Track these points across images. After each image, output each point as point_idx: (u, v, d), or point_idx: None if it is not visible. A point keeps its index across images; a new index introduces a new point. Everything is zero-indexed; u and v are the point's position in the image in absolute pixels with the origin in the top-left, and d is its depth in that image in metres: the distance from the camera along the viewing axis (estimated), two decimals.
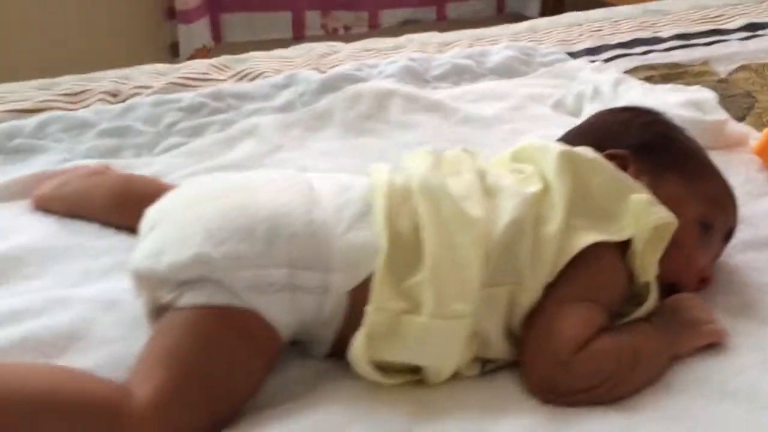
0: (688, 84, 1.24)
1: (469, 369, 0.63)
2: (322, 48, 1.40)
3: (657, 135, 0.78)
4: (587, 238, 0.65)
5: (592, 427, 0.57)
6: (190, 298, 0.59)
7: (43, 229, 0.80)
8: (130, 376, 0.58)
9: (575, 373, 0.60)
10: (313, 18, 2.49)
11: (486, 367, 0.64)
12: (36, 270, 0.73)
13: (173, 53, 2.34)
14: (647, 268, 0.66)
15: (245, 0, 2.37)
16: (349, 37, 2.54)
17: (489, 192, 0.68)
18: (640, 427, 0.57)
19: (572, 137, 0.80)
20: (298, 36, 2.48)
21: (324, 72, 1.24)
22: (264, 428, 0.56)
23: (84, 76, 1.24)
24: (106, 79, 1.21)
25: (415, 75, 1.23)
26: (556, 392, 0.60)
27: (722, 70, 1.35)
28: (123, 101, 1.14)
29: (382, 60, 1.28)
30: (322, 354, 0.65)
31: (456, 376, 0.62)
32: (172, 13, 2.29)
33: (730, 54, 1.42)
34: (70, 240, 0.78)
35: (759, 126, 1.08)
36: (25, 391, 0.55)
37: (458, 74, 1.26)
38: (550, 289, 0.64)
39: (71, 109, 1.10)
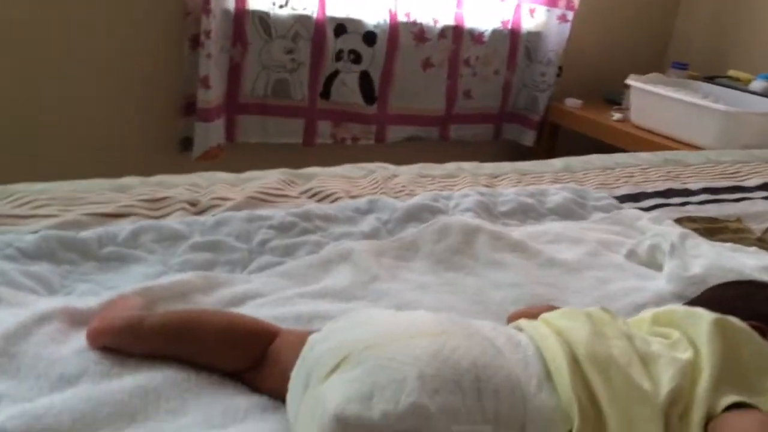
0: (733, 240, 1.31)
1: None
2: (380, 171, 1.43)
3: None
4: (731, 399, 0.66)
5: None
6: None
7: (158, 362, 0.73)
8: None
9: None
10: (324, 127, 2.53)
11: None
12: (177, 404, 0.69)
13: (184, 147, 2.33)
14: None
15: (262, 104, 2.40)
16: (356, 148, 2.59)
17: (644, 359, 0.70)
18: None
19: (697, 306, 0.83)
20: (308, 143, 2.51)
21: (394, 197, 1.27)
22: None
23: (153, 179, 1.22)
24: (180, 185, 1.19)
25: (486, 209, 1.27)
26: None
27: (755, 227, 1.43)
28: (202, 211, 1.12)
29: (452, 191, 1.31)
30: None
31: None
32: (189, 110, 2.29)
33: (757, 212, 1.52)
34: (199, 376, 0.73)
35: None
36: None
37: (524, 212, 1.31)
38: None
39: (154, 216, 1.08)
